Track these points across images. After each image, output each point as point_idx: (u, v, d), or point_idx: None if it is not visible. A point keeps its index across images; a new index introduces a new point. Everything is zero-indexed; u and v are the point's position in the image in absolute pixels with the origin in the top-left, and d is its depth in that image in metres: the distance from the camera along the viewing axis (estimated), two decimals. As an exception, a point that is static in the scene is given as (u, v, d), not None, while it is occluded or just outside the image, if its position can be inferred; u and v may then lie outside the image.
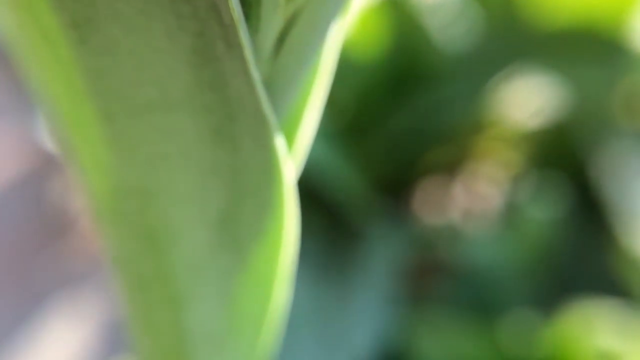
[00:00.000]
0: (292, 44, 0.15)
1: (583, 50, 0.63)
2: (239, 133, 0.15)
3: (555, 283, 0.63)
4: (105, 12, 0.14)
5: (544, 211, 0.61)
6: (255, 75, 0.14)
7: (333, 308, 0.57)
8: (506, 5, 0.65)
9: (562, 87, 0.63)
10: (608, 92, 0.64)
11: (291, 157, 0.17)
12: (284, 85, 0.16)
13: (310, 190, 0.60)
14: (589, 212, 0.66)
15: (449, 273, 0.60)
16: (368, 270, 0.59)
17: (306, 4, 0.14)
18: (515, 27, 0.64)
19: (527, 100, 0.65)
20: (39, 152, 0.70)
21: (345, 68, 0.61)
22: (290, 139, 0.17)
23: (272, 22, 0.14)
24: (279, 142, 0.15)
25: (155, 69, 0.14)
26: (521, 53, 0.65)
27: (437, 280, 0.60)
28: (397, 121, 0.67)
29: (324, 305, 0.57)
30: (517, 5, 0.63)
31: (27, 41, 0.14)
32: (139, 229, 0.16)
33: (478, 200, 0.68)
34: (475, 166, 0.69)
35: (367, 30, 0.63)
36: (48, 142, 0.66)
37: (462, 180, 0.70)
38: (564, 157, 0.68)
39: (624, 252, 0.61)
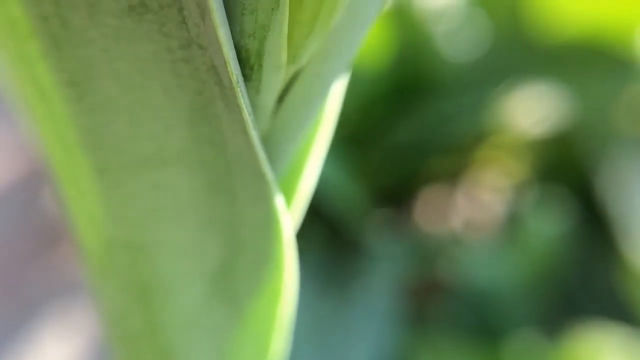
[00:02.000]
0: (293, 101, 0.15)
1: (588, 61, 0.63)
2: (236, 188, 0.15)
3: (560, 301, 0.63)
4: (103, 71, 0.14)
5: (547, 226, 0.61)
6: (254, 134, 0.14)
7: (333, 325, 0.57)
8: (512, 15, 0.65)
9: (567, 97, 0.63)
10: (612, 103, 0.64)
11: (291, 210, 0.17)
12: (284, 140, 0.16)
13: (310, 203, 0.60)
14: (594, 226, 0.65)
15: (450, 291, 0.60)
16: (369, 287, 0.59)
17: (308, 64, 0.14)
18: (521, 37, 0.64)
19: (531, 111, 0.65)
20: (32, 160, 0.70)
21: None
22: (290, 191, 0.17)
23: (274, 83, 0.14)
24: (278, 197, 0.15)
25: (151, 125, 0.14)
26: (526, 63, 0.65)
27: (439, 299, 0.60)
28: (401, 131, 0.67)
29: (323, 322, 0.56)
30: (523, 15, 0.63)
31: (22, 93, 0.14)
32: (131, 283, 0.16)
33: (480, 209, 0.68)
34: (478, 175, 0.69)
35: (371, 39, 0.63)
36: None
37: (464, 189, 0.70)
38: (567, 168, 0.68)
39: (629, 269, 0.61)
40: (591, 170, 0.65)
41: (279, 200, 0.15)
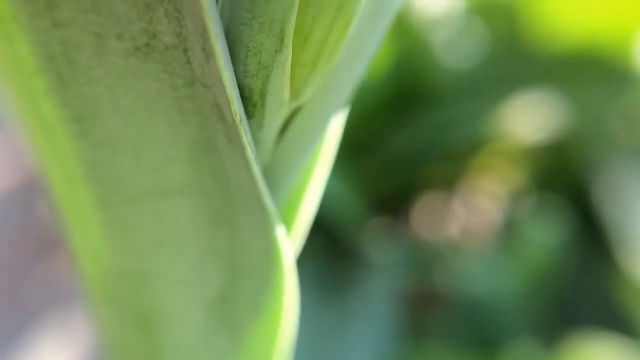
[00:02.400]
0: (294, 134, 0.15)
1: (585, 70, 0.63)
2: (238, 218, 0.16)
3: (557, 311, 0.63)
4: (107, 108, 0.14)
5: (544, 235, 0.61)
6: (256, 167, 0.14)
7: (331, 334, 0.57)
8: (510, 24, 0.65)
9: (564, 107, 0.64)
10: (609, 112, 0.65)
11: (291, 237, 0.17)
12: (285, 170, 0.16)
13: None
14: (591, 235, 0.66)
15: (448, 300, 0.60)
16: (367, 296, 0.59)
17: (310, 98, 0.14)
18: (519, 46, 0.65)
19: (528, 119, 0.66)
20: (31, 166, 0.70)
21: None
22: (291, 218, 0.17)
23: (276, 118, 0.14)
24: (279, 227, 0.16)
25: (154, 159, 0.15)
26: (523, 72, 0.66)
27: (436, 308, 0.60)
28: (399, 140, 0.67)
29: (321, 331, 0.57)
30: (521, 25, 0.64)
31: (26, 127, 0.15)
32: (132, 311, 0.16)
33: (477, 216, 0.68)
34: (476, 182, 0.70)
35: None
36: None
37: (462, 196, 0.70)
38: (564, 177, 0.68)
39: (626, 279, 0.61)
40: (588, 179, 0.65)
41: (279, 230, 0.16)
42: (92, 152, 0.14)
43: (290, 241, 0.17)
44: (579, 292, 0.64)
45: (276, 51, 0.13)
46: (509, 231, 0.64)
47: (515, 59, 0.65)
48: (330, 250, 0.63)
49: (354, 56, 0.15)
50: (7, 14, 0.13)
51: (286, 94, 0.14)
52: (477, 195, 0.69)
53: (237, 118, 0.13)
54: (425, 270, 0.63)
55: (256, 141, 0.15)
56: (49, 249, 0.67)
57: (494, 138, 0.67)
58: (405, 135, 0.67)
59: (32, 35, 0.13)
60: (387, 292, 0.59)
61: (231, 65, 0.13)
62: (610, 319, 0.61)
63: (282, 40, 0.13)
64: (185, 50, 0.13)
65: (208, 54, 0.12)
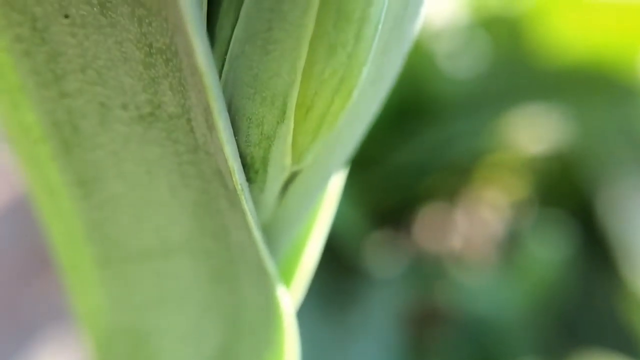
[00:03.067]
0: (295, 193, 0.15)
1: (589, 85, 0.63)
2: (238, 277, 0.16)
3: (561, 329, 0.63)
4: (111, 172, 0.14)
5: (548, 251, 0.61)
6: (257, 229, 0.15)
7: (332, 351, 0.57)
8: (514, 38, 0.66)
9: (568, 121, 0.64)
10: (614, 127, 0.65)
11: (292, 290, 0.18)
12: (286, 227, 0.16)
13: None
14: (595, 251, 0.66)
15: (450, 318, 0.60)
16: (368, 313, 0.60)
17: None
18: (522, 60, 0.65)
19: (532, 134, 0.66)
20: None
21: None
22: (291, 271, 0.17)
23: (277, 182, 0.15)
24: (279, 285, 0.16)
25: (155, 219, 0.15)
26: (527, 86, 0.66)
27: (438, 326, 0.60)
28: (401, 153, 0.67)
29: (322, 348, 0.57)
30: (525, 38, 0.64)
31: (30, 187, 0.15)
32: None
33: (480, 228, 0.69)
34: (478, 193, 0.70)
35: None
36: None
37: (464, 207, 0.71)
38: (568, 192, 0.69)
39: (631, 296, 0.62)
40: (592, 193, 0.65)
41: (279, 287, 0.16)
42: (94, 213, 0.15)
43: (290, 295, 0.17)
44: (584, 308, 0.65)
45: (278, 122, 0.13)
46: (512, 245, 0.64)
47: (519, 73, 0.66)
48: (331, 265, 0.63)
49: (356, 118, 0.15)
50: (15, 84, 0.13)
51: (288, 160, 0.14)
52: (480, 207, 0.70)
53: (239, 188, 0.13)
54: (427, 286, 0.63)
55: (257, 202, 0.15)
56: (46, 265, 0.67)
57: (497, 152, 0.68)
58: (407, 148, 0.67)
59: (39, 105, 0.13)
60: (389, 309, 0.60)
61: (233, 137, 0.13)
62: (616, 337, 0.61)
63: (284, 112, 0.13)
64: (189, 120, 0.13)
65: (211, 126, 0.13)
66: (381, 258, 0.63)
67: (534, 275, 0.61)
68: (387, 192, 0.69)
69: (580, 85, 0.64)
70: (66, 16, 0.12)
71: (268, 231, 0.16)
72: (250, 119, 0.13)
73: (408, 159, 0.67)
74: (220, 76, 0.13)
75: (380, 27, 0.13)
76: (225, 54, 0.13)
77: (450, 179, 0.70)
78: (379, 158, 0.67)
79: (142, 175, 0.14)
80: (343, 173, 0.17)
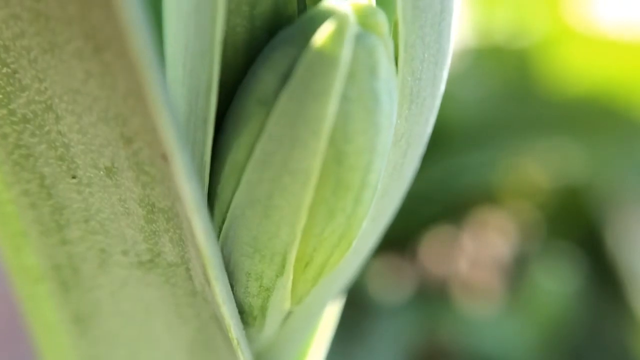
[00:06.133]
0: (292, 323, 0.16)
1: (597, 118, 0.64)
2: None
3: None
4: (108, 310, 0.15)
5: (556, 283, 0.62)
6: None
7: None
8: (522, 70, 0.67)
9: (576, 153, 0.65)
10: (622, 159, 0.66)
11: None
12: (282, 353, 0.17)
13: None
14: (604, 283, 0.67)
15: (456, 356, 0.61)
16: (372, 349, 0.60)
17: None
18: (530, 92, 0.66)
19: (540, 165, 0.67)
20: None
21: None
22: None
23: (275, 323, 0.15)
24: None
25: (152, 356, 0.16)
26: (535, 119, 0.67)
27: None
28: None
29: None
30: (533, 70, 0.65)
31: (28, 320, 0.16)
32: None
33: (487, 256, 0.69)
34: (485, 221, 0.71)
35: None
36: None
37: (470, 234, 0.71)
38: (577, 224, 0.69)
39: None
40: (601, 225, 0.66)
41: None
42: (90, 349, 0.16)
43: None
44: (593, 342, 0.65)
45: (277, 276, 0.14)
46: (520, 274, 0.65)
47: (527, 105, 0.66)
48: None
49: (355, 255, 0.16)
50: (17, 230, 0.14)
51: (287, 305, 0.15)
52: (488, 235, 0.70)
53: (235, 343, 0.14)
54: (433, 320, 0.63)
55: (254, 339, 0.16)
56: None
57: (505, 183, 0.68)
58: (413, 180, 0.68)
59: (40, 250, 0.14)
60: (394, 344, 0.60)
61: (232, 294, 0.14)
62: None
63: (283, 267, 0.14)
64: (188, 270, 0.14)
65: (209, 279, 0.14)
66: (386, 287, 0.63)
67: (542, 308, 0.62)
68: (393, 224, 0.69)
69: (588, 118, 0.65)
70: (74, 177, 0.13)
71: (265, 357, 0.17)
72: (249, 274, 0.14)
73: (413, 192, 0.68)
74: (220, 231, 0.14)
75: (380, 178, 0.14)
76: (226, 212, 0.14)
77: (458, 207, 0.71)
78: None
79: (139, 314, 0.15)
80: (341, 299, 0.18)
